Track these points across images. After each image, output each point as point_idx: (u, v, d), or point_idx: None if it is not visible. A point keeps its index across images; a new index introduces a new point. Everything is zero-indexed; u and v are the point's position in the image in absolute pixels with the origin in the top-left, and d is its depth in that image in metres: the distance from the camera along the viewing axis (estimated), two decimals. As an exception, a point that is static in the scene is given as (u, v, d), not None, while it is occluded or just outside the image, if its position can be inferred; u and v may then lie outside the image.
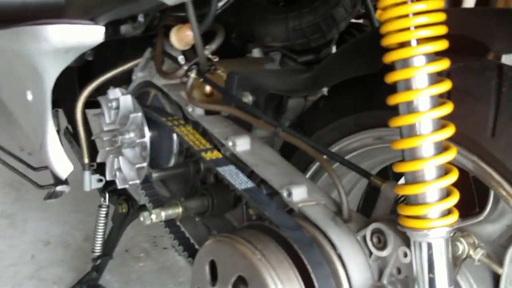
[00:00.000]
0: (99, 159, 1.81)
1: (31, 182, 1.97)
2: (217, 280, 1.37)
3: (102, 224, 2.04)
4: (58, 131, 1.98)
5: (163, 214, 1.54)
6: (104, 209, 2.03)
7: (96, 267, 2.08)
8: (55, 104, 1.96)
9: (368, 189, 1.68)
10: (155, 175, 1.68)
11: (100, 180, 1.90)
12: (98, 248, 2.06)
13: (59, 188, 1.92)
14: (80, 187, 1.88)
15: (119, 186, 1.75)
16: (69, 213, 2.49)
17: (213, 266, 1.39)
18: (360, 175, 1.42)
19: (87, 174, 1.90)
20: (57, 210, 2.47)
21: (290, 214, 1.41)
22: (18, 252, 2.33)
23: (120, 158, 1.73)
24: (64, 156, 1.82)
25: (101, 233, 2.05)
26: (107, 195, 2.01)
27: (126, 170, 1.73)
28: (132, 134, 1.69)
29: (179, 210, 1.57)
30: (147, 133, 1.68)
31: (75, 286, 2.08)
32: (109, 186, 1.94)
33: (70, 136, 2.05)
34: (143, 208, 1.93)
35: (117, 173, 1.75)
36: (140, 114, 1.66)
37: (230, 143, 1.55)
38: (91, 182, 1.91)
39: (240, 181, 1.48)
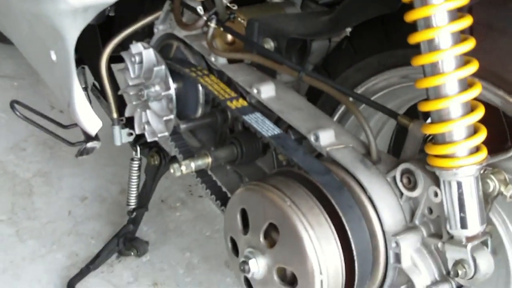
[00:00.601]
0: (127, 114, 1.83)
1: (62, 140, 1.99)
2: (249, 228, 1.39)
3: (135, 177, 2.07)
4: (85, 88, 2.00)
5: (192, 165, 1.57)
6: (136, 162, 2.05)
7: (132, 220, 2.12)
8: (81, 62, 1.98)
9: (397, 130, 1.68)
10: (183, 126, 1.70)
11: (130, 134, 1.92)
12: (133, 201, 2.09)
13: (90, 144, 1.94)
14: (112, 141, 1.91)
15: (149, 139, 1.77)
16: (103, 167, 2.53)
17: (244, 214, 1.41)
18: (387, 115, 1.42)
19: (116, 128, 1.92)
20: (92, 165, 2.51)
21: (318, 158, 1.42)
22: (55, 209, 2.37)
23: (148, 111, 1.75)
24: (92, 113, 1.84)
25: (135, 186, 2.08)
26: (138, 148, 2.03)
27: (154, 123, 1.75)
28: (157, 87, 1.70)
29: (209, 160, 1.59)
30: (172, 85, 1.69)
31: (112, 240, 2.13)
32: (140, 139, 1.96)
33: (97, 92, 2.06)
34: (175, 159, 1.95)
35: (146, 127, 1.77)
36: (163, 66, 1.67)
37: (254, 91, 1.56)
38: (121, 136, 1.93)
39: (266, 128, 1.49)
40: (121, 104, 1.93)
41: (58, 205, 2.39)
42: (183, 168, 1.55)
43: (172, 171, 1.54)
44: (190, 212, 2.40)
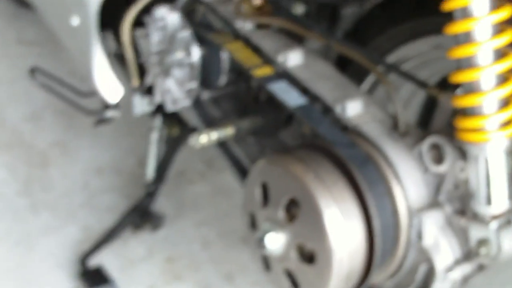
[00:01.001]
0: (148, 82, 1.85)
1: (80, 109, 2.03)
2: (269, 202, 1.41)
3: (154, 149, 2.10)
4: (110, 54, 2.02)
5: (213, 135, 1.59)
6: (156, 133, 2.09)
7: (149, 194, 2.15)
8: (105, 27, 2.00)
9: (427, 102, 1.70)
10: (205, 95, 1.72)
11: (151, 103, 1.94)
12: (151, 173, 2.13)
13: (109, 113, 1.97)
14: (131, 111, 1.92)
15: (169, 109, 1.80)
16: (121, 139, 2.56)
17: (265, 188, 1.43)
18: (417, 85, 1.44)
19: (136, 97, 1.94)
20: (110, 136, 2.55)
21: (344, 130, 1.44)
22: (70, 181, 2.41)
23: (169, 79, 1.77)
24: (115, 80, 1.87)
25: (154, 158, 2.11)
26: (158, 119, 2.06)
27: (175, 91, 1.77)
28: (180, 54, 1.72)
29: (231, 130, 1.61)
30: (196, 52, 1.71)
31: (128, 213, 2.16)
32: (160, 110, 1.98)
33: (121, 59, 2.10)
34: (196, 130, 1.99)
35: (167, 95, 1.79)
36: (188, 32, 1.69)
37: (281, 58, 1.58)
38: (141, 105, 1.95)
39: (292, 98, 1.51)
40: (142, 72, 1.96)
41: (74, 177, 2.43)
42: (203, 139, 1.57)
43: (192, 142, 1.57)
44: (209, 186, 2.43)
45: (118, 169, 2.47)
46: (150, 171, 2.12)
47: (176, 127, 2.06)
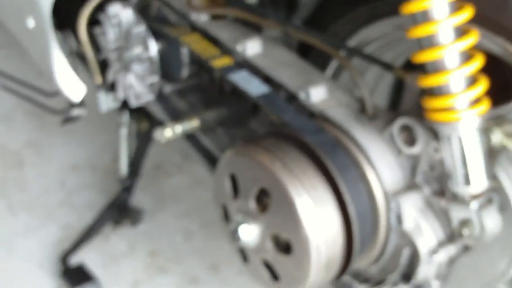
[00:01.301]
0: (110, 78, 1.75)
1: (46, 109, 1.93)
2: (239, 193, 1.33)
3: (124, 144, 2.00)
4: (72, 53, 1.91)
5: (178, 129, 1.50)
6: (125, 129, 1.98)
7: (125, 188, 2.06)
8: (64, 26, 1.89)
9: (395, 85, 1.60)
10: (168, 89, 1.63)
11: (116, 99, 1.84)
12: (124, 168, 2.03)
13: (74, 112, 1.87)
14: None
15: (133, 104, 1.70)
16: (95, 135, 2.46)
17: (234, 179, 1.34)
18: (382, 67, 1.34)
19: (101, 94, 1.84)
20: (83, 133, 2.44)
21: (310, 117, 1.35)
22: (47, 180, 2.32)
23: (130, 74, 1.67)
24: (76, 79, 1.77)
25: (126, 153, 2.01)
26: (125, 114, 1.96)
27: (137, 86, 1.67)
28: (138, 49, 1.62)
29: (195, 123, 1.52)
30: (153, 46, 1.61)
31: (106, 210, 2.06)
32: (127, 105, 1.88)
33: (77, 54, 1.99)
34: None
35: (130, 91, 1.69)
36: (143, 27, 1.59)
37: (239, 47, 1.48)
38: (106, 102, 1.85)
39: (254, 87, 1.41)
40: (105, 69, 1.85)
41: (50, 176, 2.33)
42: (168, 132, 1.48)
43: (157, 137, 1.47)
44: (187, 178, 2.34)
45: (94, 165, 2.38)
46: (124, 166, 2.03)
47: (144, 121, 1.97)
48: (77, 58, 1.98)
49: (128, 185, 2.05)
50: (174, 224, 2.17)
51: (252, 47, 1.48)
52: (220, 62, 1.49)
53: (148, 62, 1.64)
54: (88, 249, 2.06)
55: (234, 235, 1.31)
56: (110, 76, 1.74)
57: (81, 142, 2.45)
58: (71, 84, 1.78)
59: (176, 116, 1.74)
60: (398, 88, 1.57)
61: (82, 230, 2.08)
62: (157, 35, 1.62)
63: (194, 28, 1.59)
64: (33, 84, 2.00)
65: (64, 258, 2.01)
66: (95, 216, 2.09)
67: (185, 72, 1.65)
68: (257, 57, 1.48)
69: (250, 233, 1.30)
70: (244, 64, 1.48)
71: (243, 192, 1.31)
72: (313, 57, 1.54)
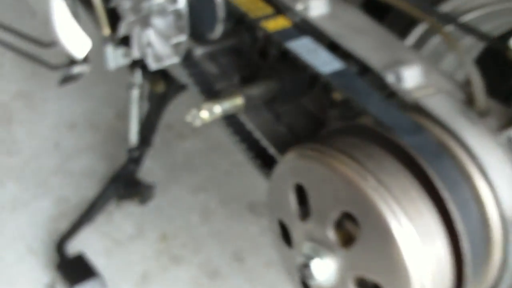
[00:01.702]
0: (121, 33, 1.36)
1: (41, 63, 1.54)
2: (310, 213, 0.96)
3: (135, 108, 1.62)
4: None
5: (217, 109, 1.12)
6: (136, 90, 1.59)
7: (133, 159, 1.68)
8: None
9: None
10: (198, 51, 1.24)
11: (127, 54, 1.45)
12: (134, 136, 1.65)
13: (76, 69, 1.49)
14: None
15: (152, 67, 1.31)
16: (94, 87, 2.07)
17: (300, 190, 0.98)
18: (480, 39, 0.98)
19: (108, 48, 1.46)
20: (81, 84, 2.02)
21: (403, 108, 0.98)
22: (39, 141, 1.94)
23: (149, 30, 1.28)
24: (79, 30, 1.39)
25: (136, 119, 1.63)
26: (138, 72, 1.57)
27: (158, 45, 1.29)
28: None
29: (239, 101, 1.14)
30: (183, -3, 1.22)
31: (110, 184, 1.69)
32: (139, 62, 1.49)
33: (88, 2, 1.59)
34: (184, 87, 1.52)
35: (148, 50, 1.30)
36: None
37: (300, 5, 1.10)
38: (115, 58, 1.47)
39: (322, 61, 1.04)
40: (115, 18, 1.46)
41: (43, 135, 1.95)
42: (205, 114, 1.10)
43: (189, 119, 1.10)
44: (203, 141, 1.97)
45: (93, 123, 1.99)
46: (133, 134, 1.65)
47: (160, 81, 1.59)
48: (78, 1, 1.58)
49: (137, 156, 1.67)
50: (189, 200, 1.81)
51: (316, 6, 1.11)
52: (274, 24, 1.11)
53: (174, 16, 1.25)
54: (88, 232, 1.70)
55: (302, 271, 0.94)
56: (122, 29, 1.35)
57: (79, 94, 2.06)
58: (73, 37, 1.39)
59: (205, 83, 1.35)
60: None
61: (80, 206, 1.71)
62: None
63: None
64: (24, 32, 1.60)
65: (60, 245, 1.64)
66: (97, 191, 1.72)
67: (219, 30, 1.27)
68: (323, 20, 1.11)
69: (324, 271, 0.93)
70: (307, 27, 1.10)
71: (317, 213, 0.94)
72: (390, 21, 1.16)
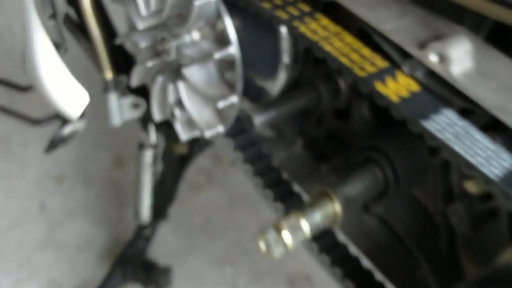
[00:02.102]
0: (134, 81, 0.92)
1: (22, 119, 1.10)
2: None
3: (148, 175, 1.16)
4: (53, 15, 1.07)
5: (305, 226, 0.68)
6: (150, 152, 1.14)
7: (143, 236, 1.23)
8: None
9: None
10: (259, 119, 0.80)
11: (137, 106, 1.02)
12: (145, 211, 1.19)
13: (68, 129, 1.05)
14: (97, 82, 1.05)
15: (183, 137, 0.87)
16: (87, 125, 1.59)
17: None
18: None
19: (112, 97, 1.03)
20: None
21: None
22: (20, 201, 1.48)
23: (179, 83, 0.83)
24: (72, 80, 0.95)
25: (148, 189, 1.17)
26: (152, 129, 1.11)
27: (194, 108, 0.84)
28: (201, 40, 0.79)
29: (337, 207, 0.70)
30: (234, 36, 0.77)
31: (116, 268, 1.24)
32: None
33: (73, 26, 1.16)
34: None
35: (176, 111, 0.86)
36: (215, -3, 0.77)
37: (432, 56, 0.66)
38: (120, 110, 1.04)
39: (483, 153, 0.63)
40: (118, 54, 1.03)
41: (25, 194, 1.50)
42: (288, 237, 0.66)
43: (263, 248, 0.66)
44: (222, 192, 1.53)
45: (86, 174, 1.55)
46: (145, 208, 1.20)
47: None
48: (68, 27, 1.16)
49: (149, 235, 1.22)
50: (211, 276, 1.37)
51: (458, 56, 0.67)
52: (394, 86, 0.67)
53: (219, 65, 0.80)
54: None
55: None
56: (135, 78, 0.91)
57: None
58: (64, 89, 0.96)
59: (258, 160, 0.91)
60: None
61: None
62: (235, 13, 0.78)
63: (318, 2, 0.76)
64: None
65: None
66: (95, 269, 1.27)
67: (282, 78, 0.82)
68: (471, 79, 0.66)
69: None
70: (441, 91, 0.67)
71: None
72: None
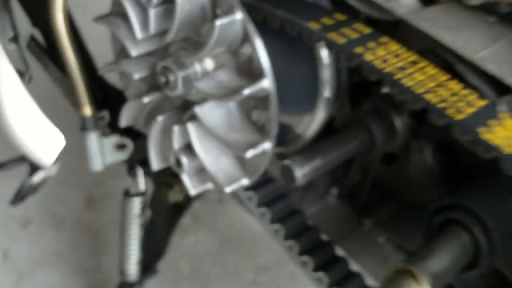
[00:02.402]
0: (124, 121, 0.70)
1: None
2: None
3: (135, 228, 0.94)
4: (15, 38, 0.87)
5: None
6: (137, 200, 0.91)
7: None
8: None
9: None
10: (301, 171, 0.59)
11: (122, 147, 0.81)
12: (131, 268, 0.97)
13: (38, 176, 0.83)
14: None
15: (192, 192, 0.65)
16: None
17: None
18: None
19: (91, 137, 0.81)
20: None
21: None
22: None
23: (190, 125, 0.61)
24: (41, 117, 0.74)
25: (136, 243, 0.95)
26: (140, 173, 0.89)
27: (209, 156, 0.63)
28: (213, 67, 0.59)
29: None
30: (267, 64, 0.56)
31: None
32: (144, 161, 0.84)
33: (40, 50, 0.94)
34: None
35: (183, 159, 0.64)
36: (239, 14, 0.54)
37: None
38: (102, 152, 0.83)
39: None
40: (97, 85, 0.83)
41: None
42: None
43: None
44: (210, 234, 1.31)
45: (56, 217, 1.31)
46: (131, 265, 0.97)
47: (175, 186, 0.91)
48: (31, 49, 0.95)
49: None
50: None
51: None
52: (499, 132, 0.47)
53: (246, 102, 0.60)
54: None
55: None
56: (125, 116, 0.70)
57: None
58: (36, 132, 0.74)
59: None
60: None
61: None
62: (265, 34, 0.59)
63: (373, 22, 0.58)
64: None
65: None
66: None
67: (316, 122, 0.62)
68: None
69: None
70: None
71: None
72: None
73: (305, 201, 0.73)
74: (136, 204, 0.91)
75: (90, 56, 0.90)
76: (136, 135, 0.89)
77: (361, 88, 0.66)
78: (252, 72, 0.58)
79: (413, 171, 0.65)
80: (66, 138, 0.83)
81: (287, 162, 0.58)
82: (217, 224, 1.32)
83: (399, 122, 0.63)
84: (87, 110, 0.83)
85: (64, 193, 1.35)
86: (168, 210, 0.95)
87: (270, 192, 0.72)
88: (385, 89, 0.63)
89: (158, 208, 0.96)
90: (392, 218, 0.69)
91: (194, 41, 0.62)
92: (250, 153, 0.58)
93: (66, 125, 0.86)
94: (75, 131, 0.84)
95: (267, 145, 0.59)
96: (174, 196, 0.92)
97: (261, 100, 0.59)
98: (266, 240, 1.24)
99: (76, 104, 0.85)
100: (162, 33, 0.63)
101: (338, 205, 0.73)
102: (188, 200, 0.93)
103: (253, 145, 0.58)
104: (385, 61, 0.52)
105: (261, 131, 0.60)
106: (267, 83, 0.57)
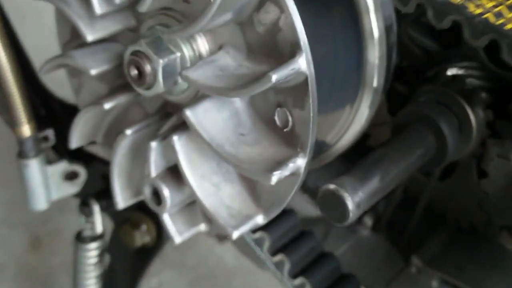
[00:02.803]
0: (75, 141, 0.46)
1: None
2: None
3: (92, 278, 0.69)
4: None
5: None
6: (93, 245, 0.67)
7: None
8: None
9: None
10: (355, 201, 0.36)
11: (72, 177, 0.55)
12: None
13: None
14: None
15: (177, 240, 0.41)
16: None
17: None
18: None
19: (32, 165, 0.56)
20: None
21: None
22: None
23: (176, 140, 0.38)
24: None
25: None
26: (97, 210, 0.65)
27: (203, 186, 0.39)
28: (208, 50, 0.37)
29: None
30: (304, 37, 0.33)
31: None
32: (103, 193, 0.60)
33: None
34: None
35: (164, 191, 0.40)
36: None
37: None
38: (47, 184, 0.57)
39: None
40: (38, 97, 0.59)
41: None
42: None
43: None
44: (177, 274, 1.07)
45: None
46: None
47: (143, 225, 0.67)
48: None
49: None
50: None
51: None
52: None
53: (268, 97, 0.37)
54: None
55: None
56: (78, 133, 0.46)
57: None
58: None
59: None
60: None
61: None
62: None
63: None
64: None
65: None
66: None
67: (360, 122, 0.40)
68: None
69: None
70: None
71: None
72: None
73: (330, 236, 0.50)
74: (91, 252, 0.67)
75: (29, 62, 0.66)
76: (91, 160, 0.65)
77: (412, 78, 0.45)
78: (275, 50, 0.35)
79: (490, 185, 0.43)
80: (2, 168, 0.60)
81: (333, 187, 0.36)
82: (186, 261, 1.08)
83: (473, 116, 0.42)
84: (26, 129, 0.59)
85: (5, 234, 1.10)
86: (132, 254, 0.71)
87: (284, 229, 0.48)
88: (451, 71, 0.42)
89: (119, 252, 0.72)
90: (446, 252, 0.47)
91: (179, 12, 0.39)
92: (276, 177, 0.35)
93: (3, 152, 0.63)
94: (13, 159, 0.61)
95: (300, 162, 0.36)
96: (141, 238, 0.68)
97: (290, 92, 0.36)
98: (243, 275, 1.01)
99: (11, 123, 0.61)
100: (132, 3, 0.40)
101: (374, 240, 0.50)
102: (159, 241, 0.69)
103: (279, 163, 0.36)
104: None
105: (290, 140, 0.37)
106: (303, 62, 0.34)
